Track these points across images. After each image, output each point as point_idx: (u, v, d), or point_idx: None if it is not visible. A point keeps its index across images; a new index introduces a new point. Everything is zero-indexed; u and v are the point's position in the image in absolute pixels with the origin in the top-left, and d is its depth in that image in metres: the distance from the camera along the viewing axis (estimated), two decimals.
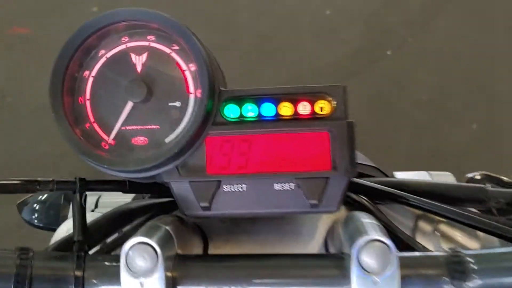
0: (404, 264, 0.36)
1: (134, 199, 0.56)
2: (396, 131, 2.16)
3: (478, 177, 0.63)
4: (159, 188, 0.47)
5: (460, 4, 2.66)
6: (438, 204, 0.46)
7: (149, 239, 0.37)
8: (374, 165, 0.61)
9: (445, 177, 0.58)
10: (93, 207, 0.56)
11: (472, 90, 2.14)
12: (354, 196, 0.48)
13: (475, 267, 0.36)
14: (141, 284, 0.36)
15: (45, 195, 0.62)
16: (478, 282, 0.36)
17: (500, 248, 0.41)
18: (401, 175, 0.58)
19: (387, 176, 0.63)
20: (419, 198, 0.47)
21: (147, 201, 0.52)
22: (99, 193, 0.58)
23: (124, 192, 0.48)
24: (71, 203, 0.57)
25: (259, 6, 2.85)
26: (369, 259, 0.35)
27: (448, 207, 0.46)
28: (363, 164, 0.62)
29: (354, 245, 0.36)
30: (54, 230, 0.64)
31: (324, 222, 0.50)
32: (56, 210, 0.64)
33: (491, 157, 1.90)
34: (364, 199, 0.49)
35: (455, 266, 0.36)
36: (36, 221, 0.64)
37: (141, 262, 0.36)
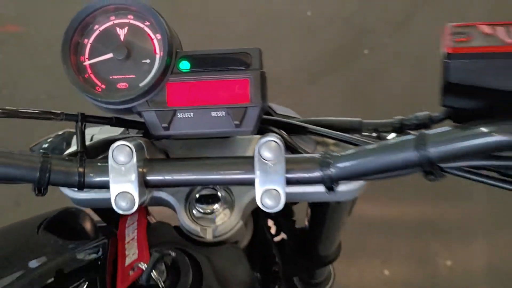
0: (289, 159, 0.57)
1: None
2: None
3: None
4: (137, 124, 0.67)
5: (436, 6, 2.76)
6: (329, 130, 0.67)
7: (128, 142, 0.58)
8: (297, 116, 0.81)
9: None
10: (88, 142, 0.75)
11: None
12: (270, 128, 0.69)
13: (336, 162, 0.56)
14: (122, 170, 0.57)
15: (50, 140, 0.81)
16: (335, 170, 0.56)
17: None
18: None
19: None
20: (315, 127, 0.68)
21: (129, 135, 0.73)
22: (94, 130, 0.78)
23: (112, 125, 0.69)
24: (72, 139, 0.77)
25: (240, 5, 3.01)
26: (267, 152, 0.56)
27: (337, 133, 0.67)
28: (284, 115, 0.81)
29: (258, 143, 0.56)
30: None
31: (251, 147, 0.70)
32: (59, 152, 0.83)
33: None
34: (277, 131, 0.70)
35: (324, 159, 0.57)
36: None
37: (122, 157, 0.57)
